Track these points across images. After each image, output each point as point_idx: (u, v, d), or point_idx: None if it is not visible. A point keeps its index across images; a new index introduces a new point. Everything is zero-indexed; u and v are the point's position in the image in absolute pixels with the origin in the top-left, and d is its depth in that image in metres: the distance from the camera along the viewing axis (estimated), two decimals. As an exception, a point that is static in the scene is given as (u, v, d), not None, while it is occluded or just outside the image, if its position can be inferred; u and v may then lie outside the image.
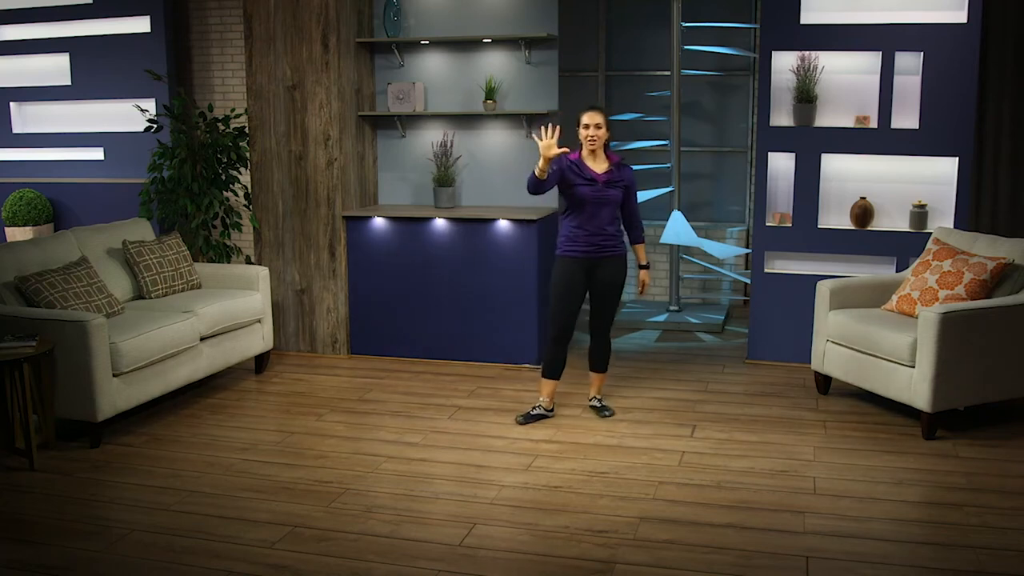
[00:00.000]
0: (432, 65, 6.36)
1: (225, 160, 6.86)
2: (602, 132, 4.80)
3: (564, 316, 4.91)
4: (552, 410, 5.11)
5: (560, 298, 4.90)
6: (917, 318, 4.82)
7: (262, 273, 6.02)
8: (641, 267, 5.12)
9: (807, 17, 5.84)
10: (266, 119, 6.35)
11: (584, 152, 4.86)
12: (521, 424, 5.00)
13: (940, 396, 4.66)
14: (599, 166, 4.85)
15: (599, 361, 5.15)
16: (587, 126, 4.79)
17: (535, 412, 5.06)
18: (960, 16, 5.61)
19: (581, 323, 5.93)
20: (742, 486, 4.19)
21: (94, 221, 6.73)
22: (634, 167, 7.32)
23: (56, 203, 7.94)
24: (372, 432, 4.97)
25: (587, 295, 4.98)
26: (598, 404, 5.19)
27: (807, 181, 5.95)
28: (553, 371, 5.03)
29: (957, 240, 5.32)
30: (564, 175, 4.79)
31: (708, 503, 4.02)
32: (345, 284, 6.38)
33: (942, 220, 5.83)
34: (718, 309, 7.58)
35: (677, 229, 6.84)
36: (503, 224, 6.04)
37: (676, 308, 7.46)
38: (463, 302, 6.20)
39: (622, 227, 5.02)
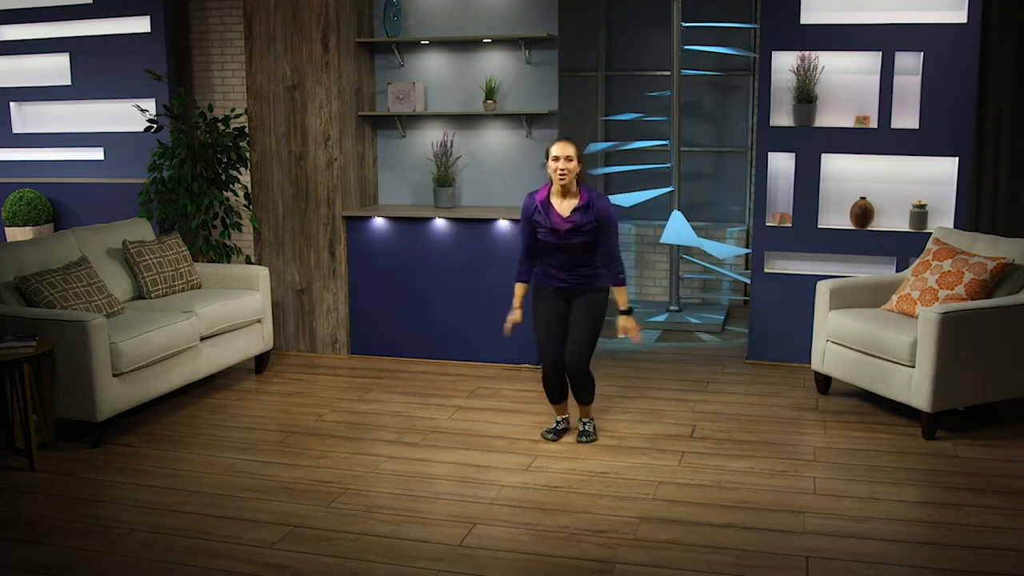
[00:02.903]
0: (432, 65, 6.36)
1: (225, 160, 6.86)
2: (573, 165, 4.42)
3: (549, 342, 4.63)
4: (568, 418, 4.93)
5: (542, 325, 4.66)
6: (917, 318, 4.82)
7: (262, 273, 6.02)
8: (621, 313, 4.64)
9: (807, 17, 5.84)
10: (266, 119, 6.35)
11: (553, 188, 4.52)
12: (552, 440, 4.79)
13: (940, 396, 4.66)
14: (567, 205, 4.50)
15: (578, 394, 4.73)
16: (556, 158, 4.43)
17: (560, 427, 4.87)
18: (960, 16, 5.61)
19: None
20: (742, 486, 4.19)
21: (94, 221, 6.73)
22: (634, 167, 7.41)
23: (56, 203, 7.94)
24: (372, 432, 4.97)
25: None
26: (582, 427, 4.83)
27: (807, 181, 5.94)
28: (555, 398, 4.81)
29: (957, 240, 5.32)
30: (531, 221, 4.58)
31: (708, 503, 4.02)
32: (345, 284, 6.38)
33: (942, 220, 5.83)
34: (718, 309, 7.58)
35: (677, 229, 6.84)
36: (503, 224, 6.04)
37: (676, 308, 7.46)
38: (463, 302, 6.20)
39: (599, 259, 4.60)
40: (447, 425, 5.05)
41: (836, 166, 6.00)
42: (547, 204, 4.54)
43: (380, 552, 3.61)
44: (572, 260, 4.57)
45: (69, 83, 7.92)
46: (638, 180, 7.76)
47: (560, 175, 4.45)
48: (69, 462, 4.58)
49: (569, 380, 4.70)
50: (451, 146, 6.30)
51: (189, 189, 6.73)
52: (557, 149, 4.46)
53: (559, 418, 4.89)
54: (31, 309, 4.83)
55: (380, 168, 6.59)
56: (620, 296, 4.65)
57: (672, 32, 7.08)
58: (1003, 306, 4.77)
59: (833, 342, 5.31)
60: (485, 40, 6.11)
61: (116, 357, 4.75)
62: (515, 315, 4.74)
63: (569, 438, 4.81)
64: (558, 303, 4.65)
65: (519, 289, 4.75)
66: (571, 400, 4.88)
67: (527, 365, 6.10)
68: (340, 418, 5.20)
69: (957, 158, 5.69)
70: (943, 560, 3.50)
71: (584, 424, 4.84)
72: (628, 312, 4.65)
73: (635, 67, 8.01)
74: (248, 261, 7.04)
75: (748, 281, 6.85)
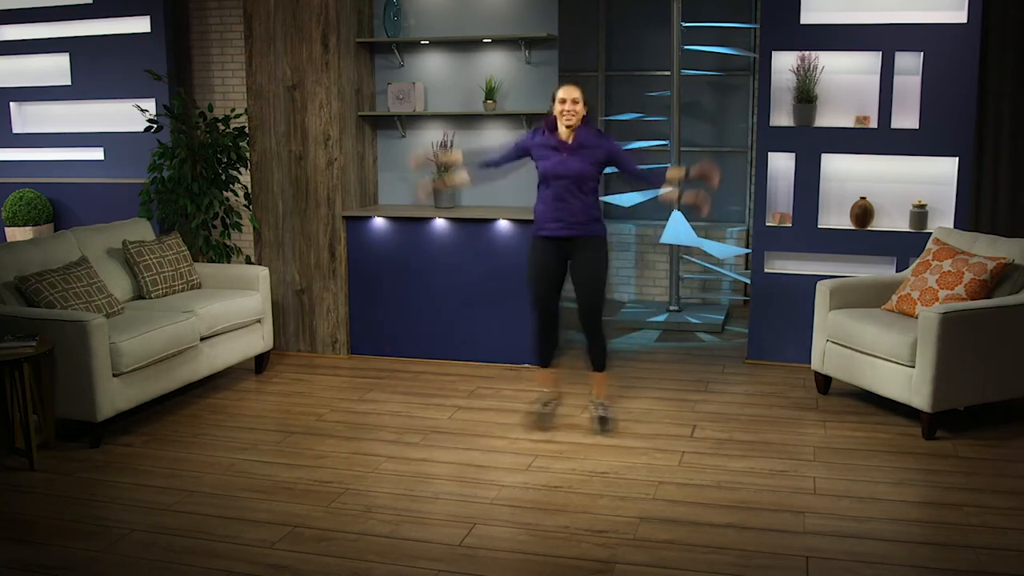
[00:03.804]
0: (432, 65, 6.36)
1: (225, 160, 6.86)
2: (579, 108, 4.51)
3: (539, 299, 4.72)
4: (558, 398, 5.03)
5: (532, 281, 4.73)
6: (917, 318, 4.82)
7: (262, 273, 6.02)
8: (684, 177, 4.66)
9: (807, 17, 5.84)
10: (266, 119, 6.35)
11: (559, 131, 4.60)
12: (546, 431, 4.86)
13: (940, 396, 4.66)
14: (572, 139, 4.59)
15: (592, 359, 4.83)
16: (563, 100, 4.51)
17: (546, 410, 4.94)
18: (960, 16, 5.60)
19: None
20: (742, 486, 4.19)
21: (94, 221, 6.73)
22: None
23: (56, 203, 7.94)
24: (372, 432, 4.97)
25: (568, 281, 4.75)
26: (600, 412, 4.88)
27: (807, 181, 5.94)
28: (542, 358, 4.88)
29: (957, 240, 5.32)
30: (530, 149, 4.64)
31: (708, 503, 4.02)
32: (345, 284, 6.38)
33: (942, 220, 5.83)
34: (718, 309, 7.58)
35: (677, 229, 6.84)
36: (503, 224, 6.04)
37: (676, 308, 7.46)
38: (463, 302, 6.20)
39: (599, 206, 4.69)
40: (447, 425, 5.05)
41: (836, 166, 6.00)
42: (551, 134, 4.60)
43: (380, 552, 3.61)
44: (567, 192, 4.55)
45: (69, 83, 7.92)
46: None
47: (566, 116, 4.51)
48: (69, 462, 4.58)
49: (586, 339, 4.76)
50: (451, 146, 6.30)
51: (189, 189, 6.73)
52: (564, 92, 4.54)
53: (546, 399, 4.94)
54: (31, 309, 4.83)
55: (380, 168, 6.59)
56: (673, 172, 4.70)
57: (672, 32, 7.08)
58: (1003, 306, 4.77)
59: (833, 342, 5.31)
60: (485, 40, 6.12)
61: (116, 357, 4.75)
62: (425, 158, 4.87)
63: (567, 436, 4.80)
64: (549, 257, 4.67)
65: (463, 168, 4.87)
66: (563, 376, 4.88)
67: (527, 365, 6.10)
68: (340, 418, 5.20)
69: (957, 158, 5.68)
70: (943, 560, 3.50)
71: (603, 408, 4.86)
72: (685, 174, 4.66)
73: (635, 67, 8.01)
74: (248, 261, 7.04)
75: (748, 281, 6.85)
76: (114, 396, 4.76)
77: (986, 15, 5.86)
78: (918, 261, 5.30)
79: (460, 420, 5.12)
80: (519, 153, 4.75)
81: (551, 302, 4.75)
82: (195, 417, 5.24)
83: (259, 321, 5.96)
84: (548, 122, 4.64)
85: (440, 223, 6.17)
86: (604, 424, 4.86)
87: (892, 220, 5.97)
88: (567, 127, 4.56)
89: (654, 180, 4.72)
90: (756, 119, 6.85)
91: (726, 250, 7.05)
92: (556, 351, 4.89)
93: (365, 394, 5.63)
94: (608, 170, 4.73)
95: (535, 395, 5.27)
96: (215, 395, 5.63)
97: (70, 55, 7.88)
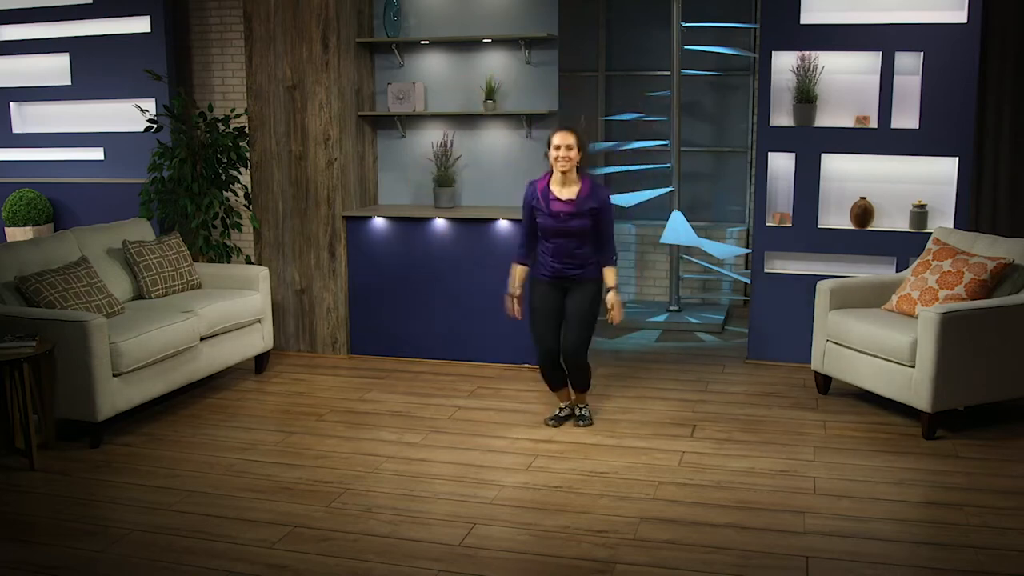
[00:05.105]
0: (432, 65, 6.36)
1: (225, 160, 6.85)
2: (574, 154, 4.58)
3: (541, 336, 4.81)
4: (572, 407, 5.11)
5: (534, 319, 4.83)
6: (917, 318, 4.82)
7: (262, 273, 6.02)
8: (609, 289, 4.76)
9: (807, 17, 5.84)
10: (266, 119, 6.35)
11: (554, 176, 4.69)
12: (554, 427, 4.95)
13: (940, 396, 4.66)
14: (568, 191, 4.66)
15: (575, 384, 4.93)
16: (557, 147, 4.59)
17: (562, 414, 5.04)
18: (960, 16, 5.61)
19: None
20: (742, 486, 4.19)
21: (94, 221, 6.73)
22: (634, 167, 7.41)
23: (56, 203, 7.94)
24: (372, 432, 4.97)
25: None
26: (578, 411, 5.03)
27: (807, 181, 5.95)
28: (553, 385, 4.97)
29: (957, 240, 5.32)
30: (531, 208, 4.75)
31: (708, 503, 4.02)
32: (345, 284, 6.38)
33: (942, 220, 5.83)
34: (718, 309, 7.58)
35: (677, 229, 6.84)
36: (503, 224, 6.04)
37: (676, 308, 7.46)
38: (463, 302, 6.20)
39: (595, 252, 4.78)
40: (447, 425, 5.05)
41: (836, 166, 6.00)
42: (547, 191, 4.71)
43: (380, 552, 3.61)
44: (569, 246, 4.70)
45: (69, 83, 7.92)
46: (638, 180, 7.76)
47: (561, 163, 4.61)
48: (69, 462, 4.58)
49: (567, 369, 4.88)
50: (451, 146, 6.30)
51: (189, 189, 6.72)
52: (558, 138, 4.62)
53: (562, 405, 5.05)
54: (31, 309, 4.82)
55: (380, 168, 6.59)
56: (608, 275, 4.77)
57: (672, 32, 7.08)
58: (1003, 306, 4.77)
59: (833, 342, 5.31)
60: (485, 40, 6.11)
61: (116, 357, 4.75)
62: (515, 298, 4.88)
63: (567, 436, 4.81)
64: (551, 296, 4.80)
65: (518, 271, 4.89)
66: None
67: (527, 365, 6.10)
68: (340, 418, 5.20)
69: (957, 158, 5.68)
70: (943, 560, 3.50)
71: (580, 409, 5.04)
72: (613, 289, 4.76)
73: (635, 67, 8.01)
74: (248, 261, 7.03)
75: (748, 281, 6.85)
76: (114, 396, 4.76)
77: (986, 15, 5.87)
78: (918, 261, 5.30)
79: (460, 420, 5.12)
80: (530, 217, 4.79)
81: (553, 339, 4.83)
82: (195, 417, 5.24)
83: (259, 321, 5.96)
84: (542, 181, 4.73)
85: (440, 223, 6.17)
86: (582, 421, 5.01)
87: (892, 220, 5.97)
88: (562, 172, 4.65)
89: (604, 260, 4.76)
90: (756, 119, 6.85)
91: (726, 250, 7.05)
92: (563, 376, 4.95)
93: (365, 394, 5.63)
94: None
95: (543, 402, 5.29)
96: (215, 395, 5.63)
97: (70, 55, 7.88)
